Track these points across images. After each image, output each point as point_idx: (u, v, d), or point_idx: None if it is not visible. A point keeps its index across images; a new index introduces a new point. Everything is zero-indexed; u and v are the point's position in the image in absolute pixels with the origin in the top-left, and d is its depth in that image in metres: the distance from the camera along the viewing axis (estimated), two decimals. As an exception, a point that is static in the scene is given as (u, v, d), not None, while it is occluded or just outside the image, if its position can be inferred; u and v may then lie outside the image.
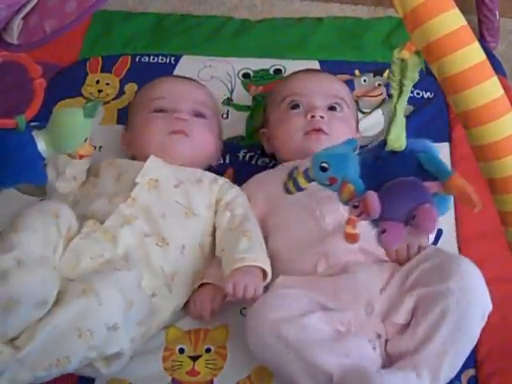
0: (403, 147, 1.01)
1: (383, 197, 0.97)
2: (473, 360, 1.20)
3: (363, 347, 1.13)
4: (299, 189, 1.12)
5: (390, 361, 1.16)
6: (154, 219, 1.27)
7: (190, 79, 1.57)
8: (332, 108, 1.46)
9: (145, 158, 1.36)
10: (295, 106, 1.46)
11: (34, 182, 1.18)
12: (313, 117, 1.42)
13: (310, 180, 1.09)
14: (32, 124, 1.16)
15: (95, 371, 1.15)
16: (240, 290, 1.20)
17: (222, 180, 1.40)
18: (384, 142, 1.00)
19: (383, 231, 0.97)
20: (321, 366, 1.09)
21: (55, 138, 1.15)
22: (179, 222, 1.30)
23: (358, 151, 1.10)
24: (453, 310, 1.11)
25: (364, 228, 1.21)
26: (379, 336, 1.16)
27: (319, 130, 1.41)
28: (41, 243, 1.14)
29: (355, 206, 0.99)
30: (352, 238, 1.00)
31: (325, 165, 1.04)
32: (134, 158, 1.45)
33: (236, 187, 1.40)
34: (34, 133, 1.14)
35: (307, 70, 1.58)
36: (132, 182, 1.31)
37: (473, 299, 1.13)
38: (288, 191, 1.14)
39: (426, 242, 1.27)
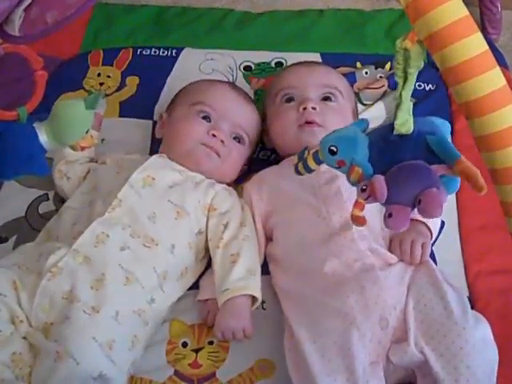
0: (410, 131, 1.00)
1: (390, 180, 0.97)
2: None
3: None
4: (309, 170, 1.11)
5: None
6: (139, 221, 1.26)
7: (246, 96, 1.52)
8: (326, 98, 1.45)
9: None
10: (289, 100, 1.45)
11: (36, 173, 1.17)
12: (305, 109, 1.41)
13: (319, 162, 1.09)
14: (34, 116, 1.15)
15: None
16: (229, 336, 1.21)
17: (219, 186, 1.38)
18: (392, 127, 1.00)
19: (390, 215, 0.97)
20: None
21: (57, 129, 1.15)
22: (169, 222, 1.29)
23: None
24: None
25: (372, 228, 1.21)
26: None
27: (312, 123, 1.40)
28: None
29: (363, 190, 0.98)
30: (358, 221, 1.00)
31: (333, 148, 1.04)
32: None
33: (234, 195, 1.39)
34: (36, 124, 1.14)
35: (300, 63, 1.57)
36: (126, 179, 1.30)
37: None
38: (298, 172, 1.13)
39: (426, 237, 1.26)
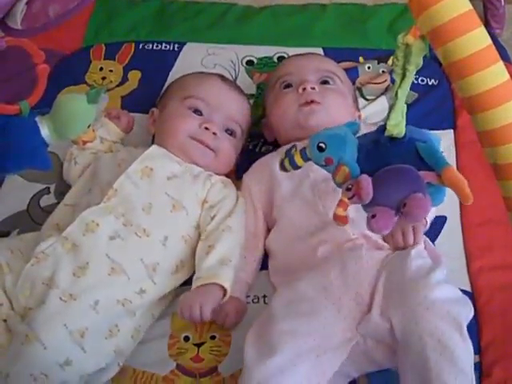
0: (402, 134, 1.00)
1: (377, 182, 0.97)
2: (476, 347, 1.20)
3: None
4: (295, 167, 1.11)
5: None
6: (134, 211, 1.26)
7: (237, 88, 1.53)
8: (324, 82, 1.46)
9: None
10: (287, 86, 1.46)
11: (38, 167, 1.17)
12: (304, 89, 1.42)
13: (306, 159, 1.08)
14: (36, 110, 1.15)
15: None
16: (186, 311, 1.20)
17: (216, 178, 1.37)
18: (384, 127, 1.00)
19: (373, 216, 0.96)
20: None
21: (59, 123, 1.15)
22: (164, 214, 1.28)
23: (358, 135, 1.08)
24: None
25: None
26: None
27: (312, 102, 1.40)
28: None
29: (348, 189, 0.98)
30: (341, 220, 1.00)
31: (322, 145, 1.03)
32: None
33: (229, 187, 1.38)
34: (38, 118, 1.14)
35: (298, 54, 1.58)
36: (125, 170, 1.30)
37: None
38: (284, 168, 1.12)
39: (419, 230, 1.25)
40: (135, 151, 1.39)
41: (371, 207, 0.97)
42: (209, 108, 1.42)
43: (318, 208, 1.28)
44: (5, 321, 1.16)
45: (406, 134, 1.00)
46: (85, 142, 1.22)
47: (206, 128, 1.39)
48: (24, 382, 1.08)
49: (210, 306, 1.20)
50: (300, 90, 1.42)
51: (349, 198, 0.98)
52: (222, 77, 1.54)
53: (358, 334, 1.12)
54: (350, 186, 0.98)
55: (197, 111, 1.41)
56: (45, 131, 1.14)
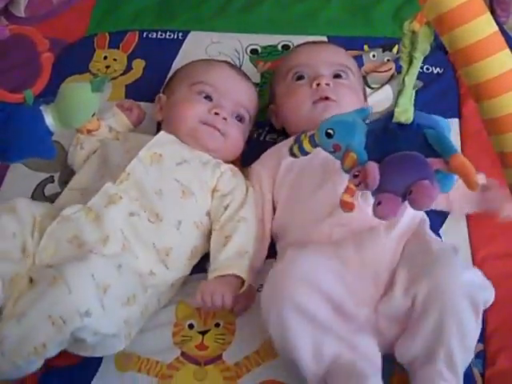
0: (410, 120, 1.00)
1: (384, 169, 0.97)
2: (481, 335, 1.20)
3: (370, 347, 1.13)
4: (304, 153, 1.11)
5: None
6: (147, 195, 1.27)
7: (244, 75, 1.53)
8: (337, 76, 1.45)
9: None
10: (300, 77, 1.45)
11: (42, 156, 1.17)
12: (318, 85, 1.41)
13: (315, 145, 1.08)
14: (40, 99, 1.15)
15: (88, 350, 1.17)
16: (207, 299, 1.21)
17: (225, 167, 1.38)
18: (392, 114, 0.99)
19: (379, 203, 0.96)
20: (327, 348, 1.10)
21: (63, 112, 1.15)
22: (175, 200, 1.29)
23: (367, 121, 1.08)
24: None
25: None
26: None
27: (327, 99, 1.40)
28: None
29: (355, 176, 0.98)
30: (347, 207, 1.00)
31: (330, 131, 1.04)
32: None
33: (239, 176, 1.39)
34: (42, 107, 1.14)
35: (310, 42, 1.57)
36: (135, 155, 1.31)
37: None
38: (293, 155, 1.13)
39: None
40: (143, 137, 1.39)
41: (377, 194, 0.97)
42: (218, 94, 1.42)
43: (328, 184, 1.28)
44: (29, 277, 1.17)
45: (414, 120, 1.00)
46: (89, 131, 1.22)
47: (216, 113, 1.39)
48: (40, 324, 1.07)
49: (231, 295, 1.22)
50: (314, 86, 1.41)
51: (356, 185, 0.98)
52: (230, 64, 1.55)
53: (374, 312, 1.14)
54: (357, 173, 0.98)
55: (206, 97, 1.42)
56: (49, 120, 1.14)
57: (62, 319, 1.07)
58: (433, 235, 1.25)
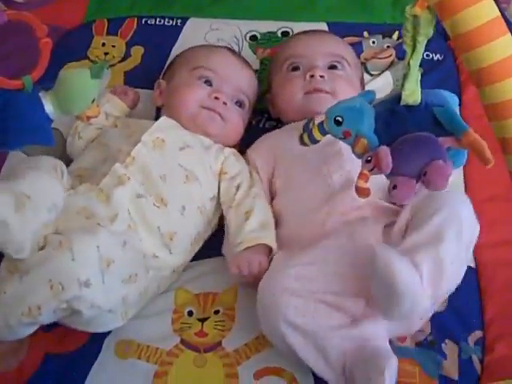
0: (418, 102, 1.00)
1: (396, 152, 0.97)
2: (480, 322, 1.21)
3: (376, 329, 1.12)
4: (314, 141, 1.12)
5: None
6: (152, 179, 1.27)
7: (245, 61, 1.54)
8: (332, 67, 1.44)
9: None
10: (295, 68, 1.45)
11: (42, 143, 1.17)
12: (312, 76, 1.41)
13: (324, 133, 1.08)
14: (39, 85, 1.14)
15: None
16: (244, 266, 1.22)
17: (228, 151, 1.39)
18: (399, 96, 0.99)
19: (394, 187, 0.96)
20: (333, 351, 1.09)
21: (62, 99, 1.14)
22: (179, 185, 1.29)
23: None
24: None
25: (375, 183, 1.21)
26: None
27: (320, 90, 1.40)
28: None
29: (368, 161, 0.98)
30: (363, 193, 1.00)
31: (339, 118, 1.04)
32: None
33: (242, 160, 1.40)
34: (41, 94, 1.13)
35: (306, 32, 1.56)
36: (138, 140, 1.31)
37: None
38: (303, 143, 1.13)
39: None
40: (144, 123, 1.39)
41: (392, 177, 0.97)
42: (218, 79, 1.42)
43: (323, 171, 1.28)
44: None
45: (422, 100, 1.00)
46: (89, 118, 1.21)
47: (216, 98, 1.39)
48: (39, 286, 1.07)
49: (266, 262, 1.23)
50: (308, 77, 1.41)
51: (369, 170, 0.98)
52: (230, 49, 1.56)
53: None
54: (369, 158, 0.98)
55: (206, 81, 1.42)
56: (48, 107, 1.14)
57: (61, 285, 1.07)
58: None
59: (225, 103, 1.40)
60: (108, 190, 1.23)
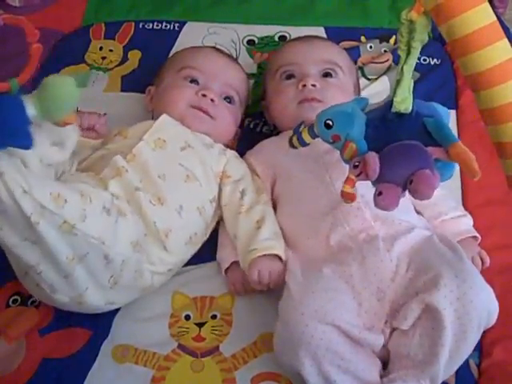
0: (409, 110, 1.00)
1: (384, 159, 0.96)
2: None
3: (374, 366, 1.12)
4: (303, 144, 1.11)
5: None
6: (150, 178, 1.26)
7: (231, 57, 1.54)
8: (326, 74, 1.44)
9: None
10: (289, 77, 1.44)
11: (19, 146, 1.14)
12: (304, 86, 1.40)
13: (314, 136, 1.08)
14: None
15: None
16: (265, 274, 1.22)
17: (229, 153, 1.39)
18: (391, 103, 0.99)
19: (379, 193, 0.96)
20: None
21: (45, 105, 1.13)
22: (179, 185, 1.29)
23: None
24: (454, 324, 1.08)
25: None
26: (386, 322, 1.14)
27: (312, 100, 1.39)
28: None
29: (355, 166, 0.98)
30: (348, 197, 1.00)
31: (329, 122, 1.04)
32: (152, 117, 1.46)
33: (243, 163, 1.40)
34: (24, 97, 1.12)
35: (300, 38, 1.55)
36: (139, 140, 1.31)
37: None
38: (292, 146, 1.13)
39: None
40: (144, 124, 1.38)
41: (377, 184, 0.97)
42: (204, 77, 1.42)
43: (325, 179, 1.27)
44: None
45: (413, 109, 1.00)
46: (66, 124, 1.20)
47: (203, 95, 1.39)
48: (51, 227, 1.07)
49: (277, 272, 1.23)
50: (300, 87, 1.40)
51: (356, 176, 0.98)
52: (215, 48, 1.56)
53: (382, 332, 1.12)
54: (357, 164, 0.98)
55: (193, 81, 1.42)
56: (31, 110, 1.13)
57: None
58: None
59: (212, 100, 1.40)
60: (106, 179, 1.23)
